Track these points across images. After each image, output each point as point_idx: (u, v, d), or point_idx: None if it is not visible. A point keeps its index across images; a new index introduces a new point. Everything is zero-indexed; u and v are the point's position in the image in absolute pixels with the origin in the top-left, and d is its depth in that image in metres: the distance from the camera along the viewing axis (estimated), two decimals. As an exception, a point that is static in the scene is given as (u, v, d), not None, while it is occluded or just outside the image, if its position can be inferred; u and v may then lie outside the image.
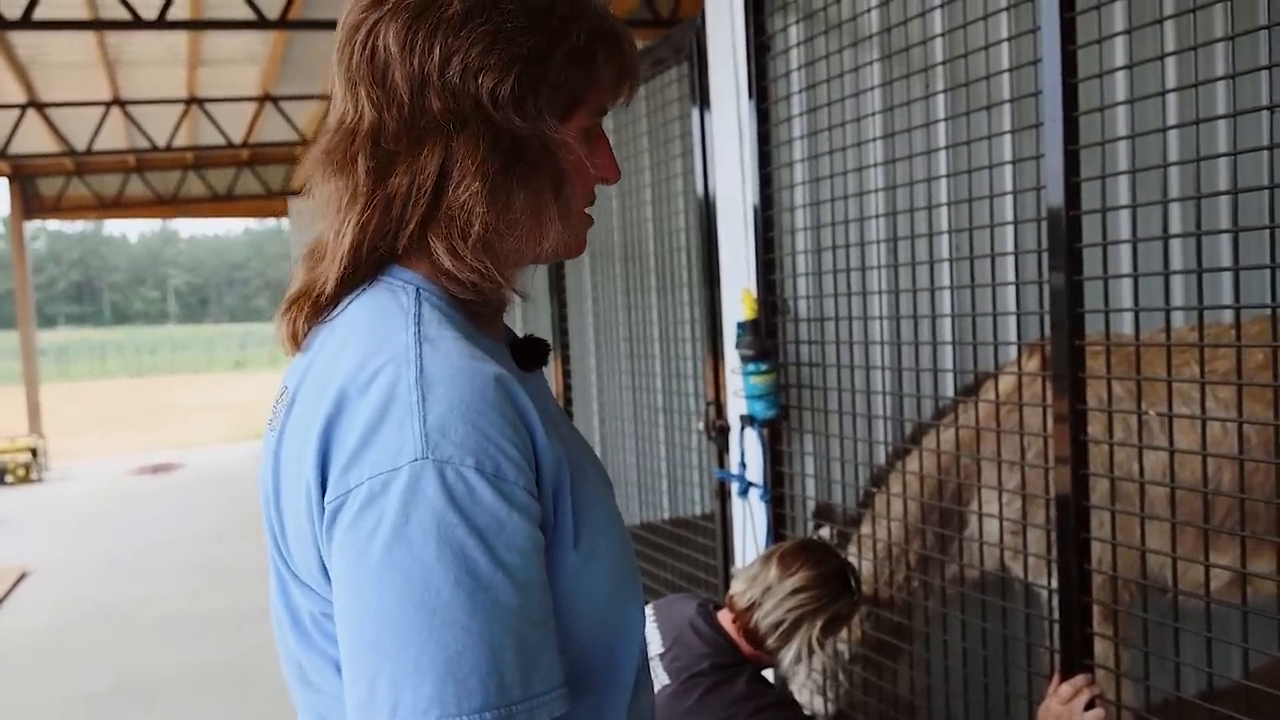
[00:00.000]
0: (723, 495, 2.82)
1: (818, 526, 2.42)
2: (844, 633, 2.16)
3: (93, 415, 19.68)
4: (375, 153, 0.83)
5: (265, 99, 9.29)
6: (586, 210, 0.92)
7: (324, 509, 0.77)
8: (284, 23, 5.97)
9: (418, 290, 0.84)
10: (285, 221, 15.73)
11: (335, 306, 0.86)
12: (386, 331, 0.81)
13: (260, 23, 5.85)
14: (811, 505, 2.48)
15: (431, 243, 0.83)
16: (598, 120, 0.90)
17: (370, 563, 0.73)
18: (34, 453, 11.37)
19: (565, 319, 4.11)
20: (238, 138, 10.34)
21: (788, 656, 1.81)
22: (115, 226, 64.18)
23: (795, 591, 1.79)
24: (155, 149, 10.21)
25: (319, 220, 0.88)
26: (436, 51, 0.81)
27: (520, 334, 0.98)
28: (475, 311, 0.87)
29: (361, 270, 0.85)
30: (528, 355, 0.93)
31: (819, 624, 1.79)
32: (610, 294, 4.09)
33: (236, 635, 5.30)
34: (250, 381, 27.12)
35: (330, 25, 5.38)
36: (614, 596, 0.85)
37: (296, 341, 0.88)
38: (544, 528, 0.79)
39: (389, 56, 0.82)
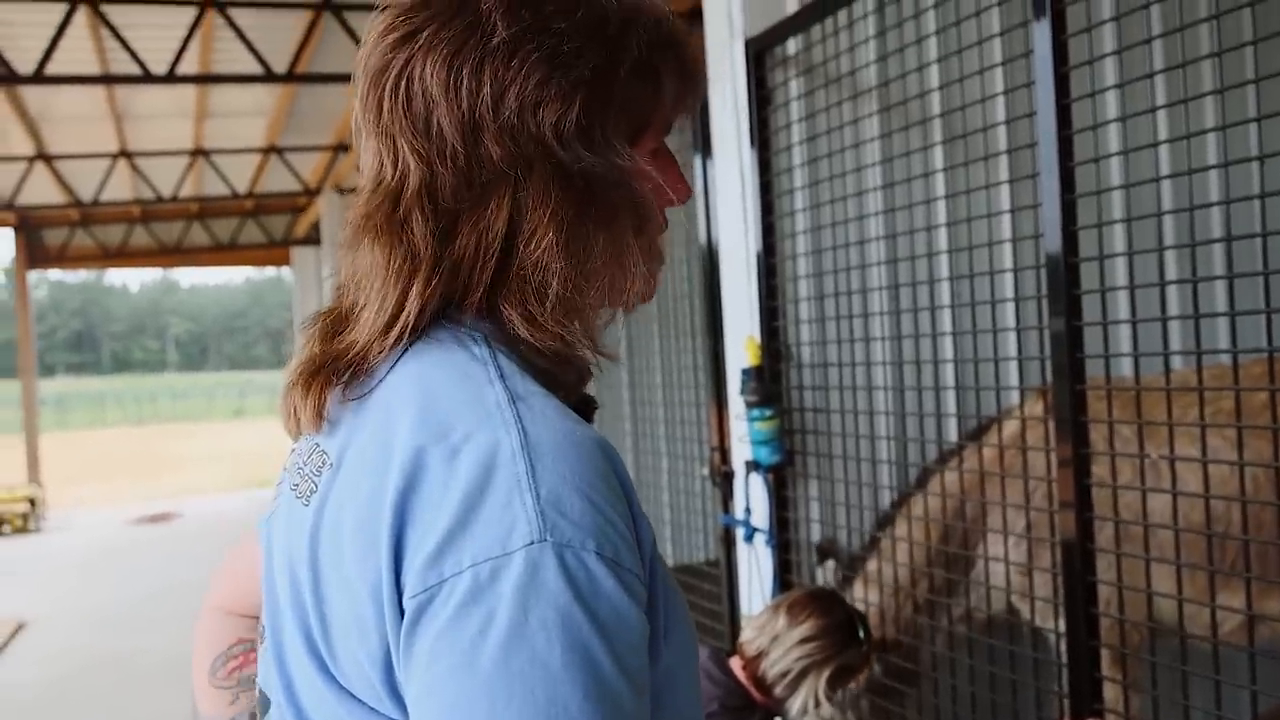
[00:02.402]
0: (728, 541, 2.83)
1: (821, 560, 2.43)
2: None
3: (91, 464, 19.61)
4: (435, 212, 0.71)
5: (270, 150, 9.42)
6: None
7: (401, 606, 0.63)
8: (291, 76, 6.09)
9: (487, 339, 0.72)
10: (286, 270, 15.85)
11: (373, 378, 0.73)
12: (466, 387, 0.68)
13: (268, 76, 5.96)
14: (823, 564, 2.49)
15: (504, 310, 0.72)
16: (664, 138, 0.78)
17: (480, 670, 0.59)
18: (32, 502, 11.31)
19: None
20: (242, 188, 10.47)
21: (795, 706, 1.81)
22: (116, 275, 64.59)
23: (803, 641, 1.79)
24: (160, 200, 10.33)
25: (358, 288, 0.74)
26: (487, 88, 0.69)
27: None
28: (549, 375, 0.74)
29: (409, 338, 0.72)
30: (581, 415, 0.79)
31: (826, 674, 1.79)
32: (613, 341, 4.12)
33: (235, 686, 5.24)
34: (249, 430, 27.07)
35: (337, 79, 5.46)
36: (691, 689, 0.72)
37: (320, 418, 0.74)
38: (647, 615, 0.66)
39: (430, 100, 0.70)
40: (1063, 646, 1.71)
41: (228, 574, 0.99)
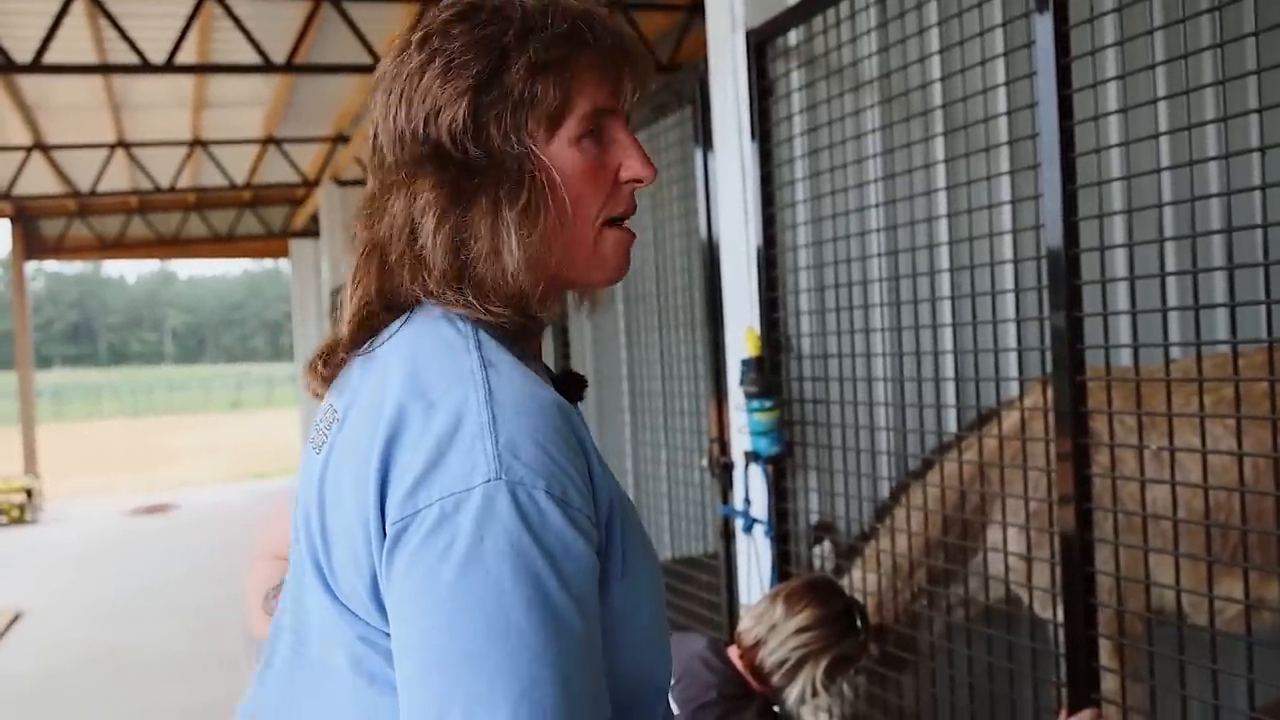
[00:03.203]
0: (726, 532, 2.83)
1: (818, 541, 2.44)
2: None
3: (88, 456, 19.59)
4: (368, 210, 0.88)
5: (269, 141, 9.40)
6: (617, 227, 0.88)
7: (384, 531, 0.75)
8: (290, 66, 6.07)
9: (468, 317, 0.84)
10: (284, 262, 15.83)
11: (364, 345, 0.87)
12: (446, 354, 0.81)
13: (266, 66, 5.94)
14: (819, 542, 2.50)
15: (439, 289, 0.84)
16: (602, 122, 0.85)
17: (442, 585, 0.71)
18: (29, 493, 11.31)
19: (568, 358, 4.14)
20: (240, 179, 10.45)
21: (792, 695, 1.81)
22: (113, 267, 64.50)
23: (800, 630, 1.80)
24: (158, 190, 10.30)
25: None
26: (403, 107, 0.84)
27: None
28: (516, 343, 0.86)
29: (387, 315, 0.87)
30: (569, 389, 0.94)
31: (824, 664, 1.79)
32: (613, 333, 4.12)
33: (235, 678, 5.25)
34: (246, 422, 27.04)
35: (337, 69, 5.45)
36: (651, 631, 0.83)
37: (326, 381, 0.91)
38: (598, 555, 0.77)
39: (377, 127, 0.86)
40: (1061, 636, 1.72)
41: (274, 524, 1.14)
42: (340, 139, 9.30)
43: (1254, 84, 1.64)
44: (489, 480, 0.72)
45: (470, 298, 0.83)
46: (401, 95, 0.84)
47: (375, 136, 0.87)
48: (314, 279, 12.40)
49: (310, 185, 10.71)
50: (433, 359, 0.81)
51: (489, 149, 0.82)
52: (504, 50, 0.82)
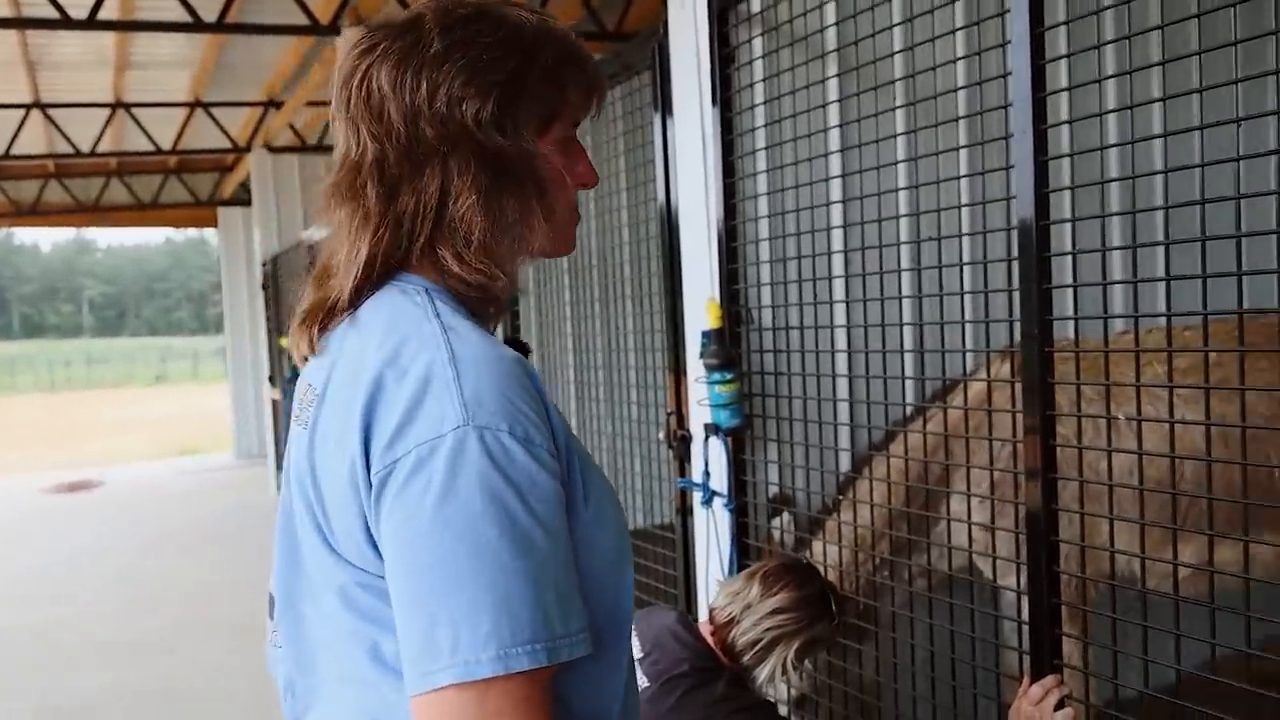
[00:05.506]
0: (684, 505, 2.82)
1: (776, 513, 2.44)
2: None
3: (3, 432, 18.82)
4: (382, 179, 0.94)
5: (196, 104, 9.05)
6: (572, 211, 1.02)
7: (370, 481, 0.85)
8: (221, 25, 5.82)
9: (427, 290, 0.95)
10: (211, 232, 15.32)
11: (350, 313, 0.97)
12: (411, 324, 0.91)
13: (196, 25, 5.69)
14: (777, 515, 2.49)
15: (440, 251, 0.95)
16: (572, 132, 1.01)
17: (423, 518, 0.82)
18: (-60, 470, 10.82)
19: (517, 330, 4.08)
20: (166, 144, 10.03)
21: (762, 675, 1.81)
22: (27, 235, 61.73)
23: (775, 612, 1.79)
24: (78, 154, 9.86)
25: (331, 243, 1.00)
26: (424, 87, 0.93)
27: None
28: (477, 310, 0.99)
29: (374, 281, 0.96)
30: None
31: (795, 645, 1.79)
32: (561, 304, 4.07)
33: (169, 659, 5.10)
34: (171, 396, 26.26)
35: (270, 30, 5.26)
36: (616, 558, 0.93)
37: (313, 347, 0.99)
38: (562, 485, 0.87)
39: (383, 96, 0.94)
40: (1024, 605, 1.74)
41: None
42: (273, 104, 8.99)
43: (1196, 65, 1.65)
44: (458, 427, 0.83)
45: (488, 266, 0.95)
46: (421, 75, 0.93)
47: (383, 107, 0.94)
48: (245, 249, 12.02)
49: (241, 151, 10.34)
50: (400, 329, 0.91)
51: (513, 140, 0.95)
52: (523, 54, 0.95)
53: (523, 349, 1.03)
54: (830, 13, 2.32)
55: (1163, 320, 1.97)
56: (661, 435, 2.90)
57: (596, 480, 0.93)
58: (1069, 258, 1.72)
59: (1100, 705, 1.89)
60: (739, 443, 2.54)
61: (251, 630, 4.88)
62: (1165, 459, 1.77)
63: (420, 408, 0.84)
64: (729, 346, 2.49)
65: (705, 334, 2.50)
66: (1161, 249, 1.64)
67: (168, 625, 5.62)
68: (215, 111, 9.19)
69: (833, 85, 2.38)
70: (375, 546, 0.87)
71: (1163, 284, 1.62)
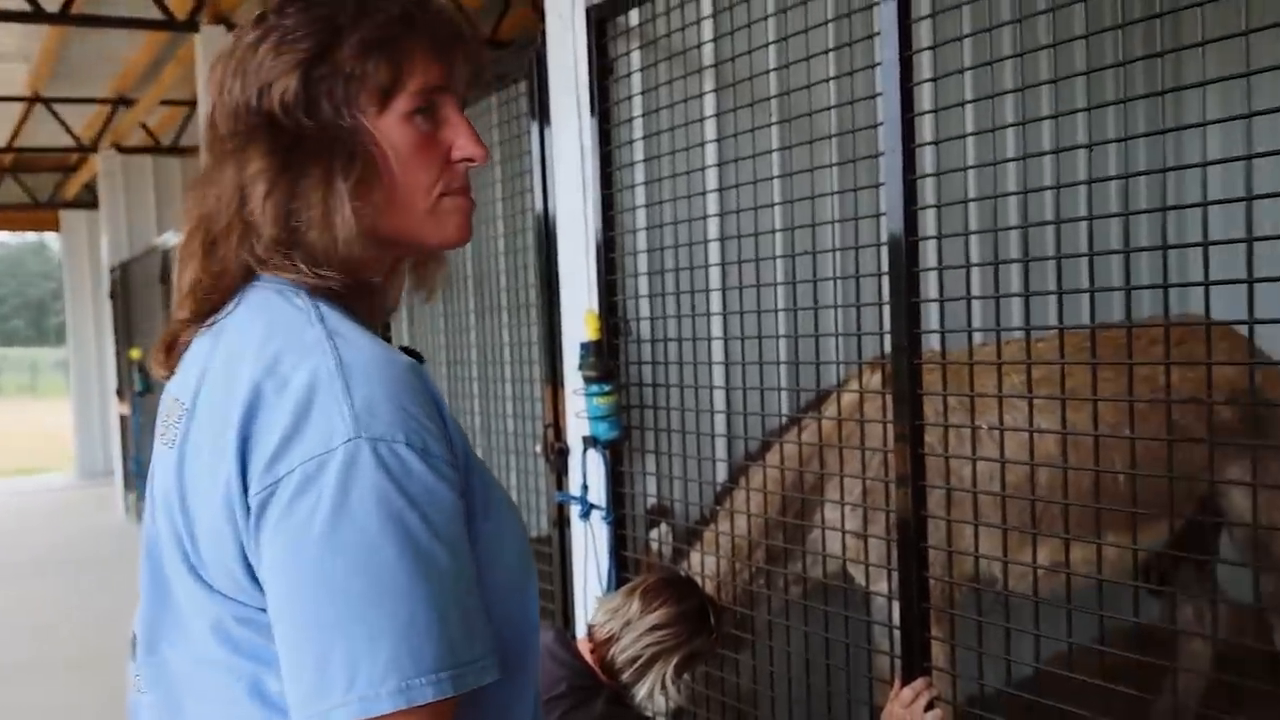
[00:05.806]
0: (561, 518, 2.79)
1: (654, 524, 2.44)
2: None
3: None
4: (197, 186, 0.91)
5: (35, 99, 8.44)
6: (455, 195, 0.92)
7: (248, 504, 0.78)
8: (65, 17, 5.46)
9: (308, 291, 0.87)
10: (52, 236, 14.31)
11: (205, 319, 0.90)
12: (290, 330, 0.84)
13: (37, 15, 5.31)
14: (655, 526, 2.49)
15: (269, 257, 0.87)
16: (434, 100, 0.90)
17: (311, 542, 0.75)
18: None
19: (389, 341, 3.95)
20: (0, 141, 9.32)
21: (641, 691, 1.80)
22: None
23: (654, 628, 1.78)
24: (-103, 149, 9.05)
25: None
26: (238, 81, 0.88)
27: None
28: (354, 312, 0.89)
29: (218, 289, 0.89)
30: None
31: (675, 661, 1.79)
32: (435, 315, 3.97)
33: (51, 683, 4.70)
34: (4, 411, 24.35)
35: (119, 23, 4.95)
36: (519, 569, 0.88)
37: (173, 356, 0.92)
38: (461, 497, 0.81)
39: (213, 105, 0.91)
40: (894, 609, 1.79)
41: None
42: (123, 101, 8.48)
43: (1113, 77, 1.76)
44: (349, 440, 0.76)
45: (299, 263, 0.86)
46: (236, 70, 0.88)
47: (211, 114, 0.90)
48: (90, 254, 11.27)
49: (86, 151, 9.71)
50: (280, 336, 0.83)
51: (321, 121, 0.86)
52: (337, 28, 0.87)
53: (416, 357, 0.95)
54: (707, 29, 2.36)
55: (1019, 333, 2.08)
56: (539, 448, 2.86)
57: (495, 489, 0.88)
58: (934, 273, 1.79)
59: (964, 704, 1.96)
60: (617, 454, 2.53)
61: (96, 666, 4.56)
62: (1025, 466, 1.85)
63: (305, 421, 0.77)
64: (608, 358, 2.48)
65: (584, 345, 2.48)
66: (1019, 265, 1.73)
67: (43, 652, 5.19)
68: (57, 108, 8.60)
69: (709, 100, 2.41)
70: (254, 576, 0.79)
71: (1020, 299, 1.71)
